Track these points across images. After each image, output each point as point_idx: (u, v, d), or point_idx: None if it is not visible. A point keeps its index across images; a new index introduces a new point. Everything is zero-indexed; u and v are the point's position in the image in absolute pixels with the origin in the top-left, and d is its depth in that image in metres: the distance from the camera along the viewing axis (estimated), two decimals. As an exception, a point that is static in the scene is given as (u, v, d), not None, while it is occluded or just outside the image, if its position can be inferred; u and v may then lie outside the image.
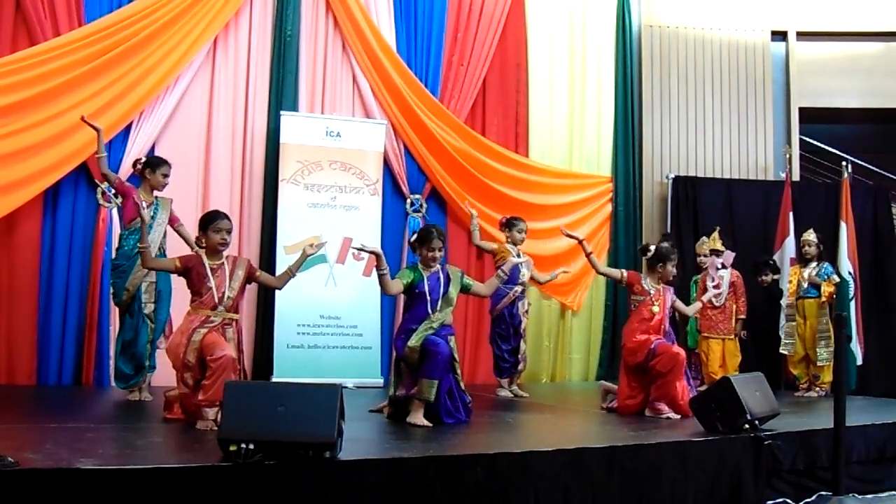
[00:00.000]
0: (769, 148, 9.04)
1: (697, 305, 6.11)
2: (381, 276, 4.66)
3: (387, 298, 7.56)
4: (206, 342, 4.32)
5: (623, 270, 5.69)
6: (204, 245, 4.55)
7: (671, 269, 5.53)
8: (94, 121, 5.64)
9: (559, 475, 3.64)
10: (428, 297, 4.77)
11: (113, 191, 6.53)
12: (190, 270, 4.49)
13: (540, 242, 7.99)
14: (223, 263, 4.53)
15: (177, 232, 5.78)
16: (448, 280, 4.89)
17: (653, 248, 5.64)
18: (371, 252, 4.67)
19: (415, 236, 5.01)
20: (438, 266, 4.90)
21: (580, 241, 5.74)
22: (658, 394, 5.25)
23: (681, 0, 9.22)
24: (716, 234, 7.43)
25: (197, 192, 7.04)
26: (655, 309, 5.39)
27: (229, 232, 4.57)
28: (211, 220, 4.56)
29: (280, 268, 6.99)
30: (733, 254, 7.26)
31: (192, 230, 6.60)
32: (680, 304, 5.72)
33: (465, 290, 4.99)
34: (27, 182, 6.20)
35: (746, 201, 8.68)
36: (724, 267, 7.23)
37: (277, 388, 3.56)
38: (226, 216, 4.63)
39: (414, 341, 4.68)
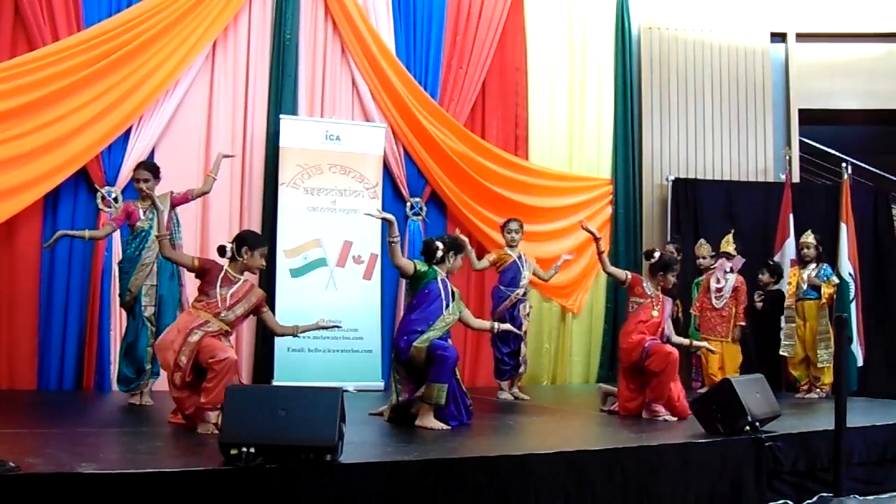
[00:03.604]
0: (769, 150, 9.04)
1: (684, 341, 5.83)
2: (391, 244, 4.65)
3: (387, 301, 7.57)
4: (205, 344, 4.27)
5: (627, 272, 5.69)
6: (230, 256, 4.49)
7: (672, 278, 5.54)
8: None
9: (560, 478, 3.64)
10: (442, 298, 4.79)
11: (113, 195, 6.59)
12: (206, 273, 4.46)
13: (540, 245, 7.99)
14: (241, 281, 4.52)
15: (194, 198, 5.88)
16: (451, 293, 4.91)
17: (657, 254, 5.62)
18: (383, 218, 4.69)
19: (444, 245, 4.93)
20: (446, 274, 4.95)
21: (596, 239, 5.69)
22: (654, 395, 5.25)
23: (680, 2, 9.22)
24: (729, 237, 7.42)
25: (196, 195, 7.03)
26: (655, 313, 5.39)
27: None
28: (262, 245, 4.57)
29: (279, 270, 7.03)
30: (744, 260, 7.27)
31: (192, 236, 6.70)
32: (675, 338, 5.54)
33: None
34: (27, 187, 6.19)
35: (746, 203, 8.68)
36: (731, 271, 7.24)
37: (278, 392, 3.57)
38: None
39: (420, 342, 4.67)
